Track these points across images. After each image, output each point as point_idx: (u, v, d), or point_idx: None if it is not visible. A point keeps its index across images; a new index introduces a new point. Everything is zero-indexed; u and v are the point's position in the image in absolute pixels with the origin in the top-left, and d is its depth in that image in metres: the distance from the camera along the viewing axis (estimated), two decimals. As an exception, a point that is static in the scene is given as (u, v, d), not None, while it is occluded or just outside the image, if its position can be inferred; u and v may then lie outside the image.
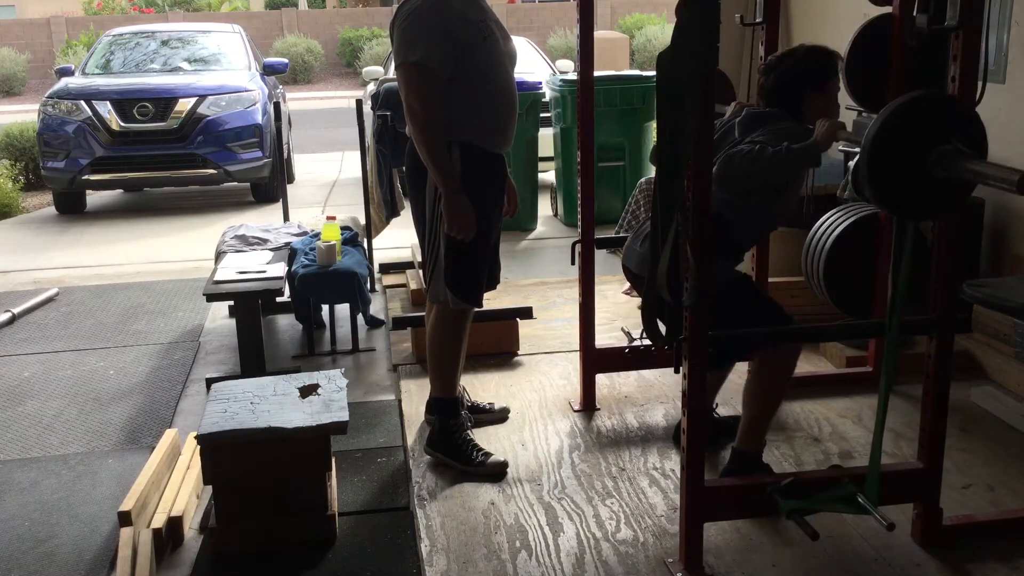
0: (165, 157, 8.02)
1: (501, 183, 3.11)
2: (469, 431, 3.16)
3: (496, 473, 3.02)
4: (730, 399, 3.51)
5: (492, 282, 3.22)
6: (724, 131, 2.82)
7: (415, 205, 3.13)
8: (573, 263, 3.39)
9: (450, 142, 2.90)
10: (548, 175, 7.67)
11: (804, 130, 2.62)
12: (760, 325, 2.76)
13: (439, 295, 3.05)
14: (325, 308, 4.60)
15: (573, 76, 5.68)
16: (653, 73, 2.31)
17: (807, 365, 3.85)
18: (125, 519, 2.76)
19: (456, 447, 3.08)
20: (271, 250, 4.58)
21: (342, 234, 4.58)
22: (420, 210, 3.09)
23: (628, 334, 3.45)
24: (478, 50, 2.90)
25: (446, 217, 2.89)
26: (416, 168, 3.02)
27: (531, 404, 3.56)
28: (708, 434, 3.12)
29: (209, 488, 2.86)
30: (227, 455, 2.70)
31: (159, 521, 2.82)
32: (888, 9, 3.23)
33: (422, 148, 2.88)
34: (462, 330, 3.13)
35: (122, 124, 7.91)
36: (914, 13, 2.46)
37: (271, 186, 8.34)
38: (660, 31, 20.40)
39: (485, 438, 3.27)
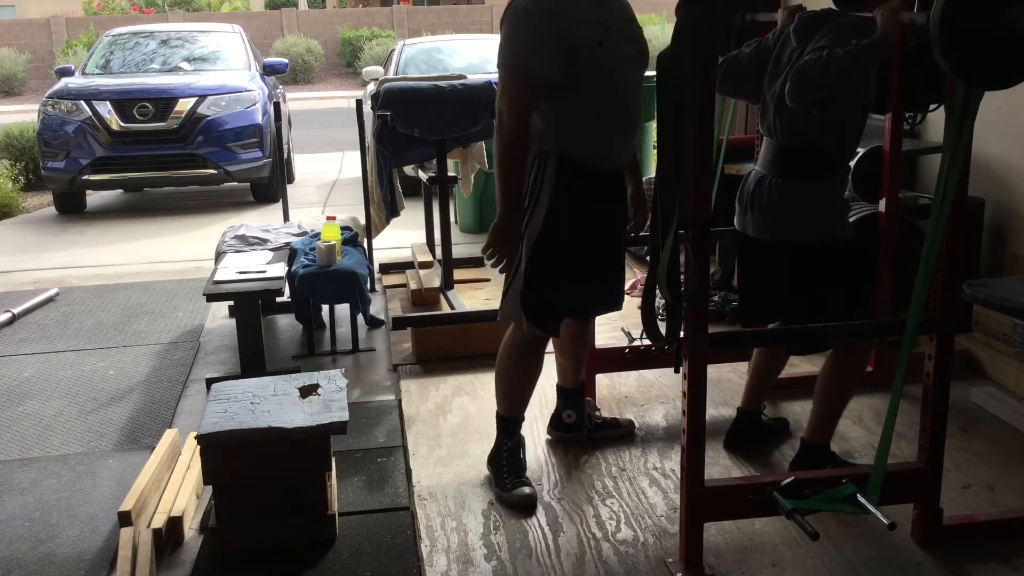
0: (165, 157, 8.02)
1: (611, 204, 2.78)
2: (522, 452, 3.00)
3: (519, 506, 2.83)
4: (730, 399, 3.51)
5: (614, 303, 2.92)
6: (781, 42, 2.74)
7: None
8: (573, 263, 3.39)
9: (547, 152, 2.64)
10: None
11: (866, 21, 2.47)
12: (862, 301, 2.79)
13: (509, 314, 2.80)
14: (325, 308, 4.60)
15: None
16: (653, 73, 2.31)
17: (807, 365, 3.85)
18: (125, 519, 2.76)
19: (496, 467, 2.98)
20: (271, 250, 4.58)
21: (342, 234, 4.58)
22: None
23: (628, 334, 3.45)
24: (592, 55, 2.56)
25: (490, 238, 2.63)
26: None
27: (531, 404, 3.54)
28: (757, 437, 3.16)
29: (209, 488, 2.86)
30: (227, 455, 2.69)
31: (159, 521, 2.82)
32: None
33: (497, 159, 2.59)
34: (530, 355, 2.89)
35: (122, 124, 7.91)
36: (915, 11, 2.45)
37: (271, 186, 8.34)
38: (660, 31, 20.40)
39: (487, 438, 3.27)
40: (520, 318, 2.77)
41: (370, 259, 5.16)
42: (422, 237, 5.63)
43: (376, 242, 5.47)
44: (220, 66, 9.04)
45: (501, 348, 2.95)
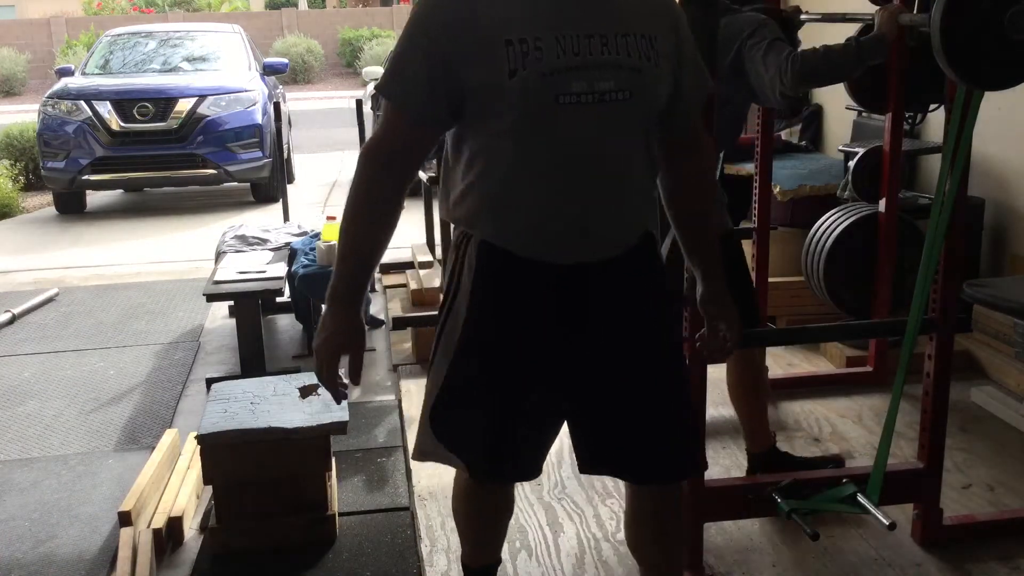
0: (165, 157, 8.03)
1: (543, 303, 1.78)
2: None
3: None
4: (728, 399, 3.51)
5: (530, 469, 1.94)
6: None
7: None
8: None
9: (465, 233, 1.82)
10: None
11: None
12: (745, 300, 2.75)
13: (421, 445, 1.95)
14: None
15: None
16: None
17: (807, 365, 3.85)
18: (125, 519, 2.76)
19: None
20: (271, 250, 4.58)
21: (342, 234, 4.57)
22: None
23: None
24: (500, 92, 1.62)
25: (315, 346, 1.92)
26: None
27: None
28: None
29: (209, 488, 2.86)
30: (227, 455, 2.69)
31: (159, 521, 2.82)
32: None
33: (343, 216, 1.91)
34: (473, 498, 2.11)
35: (122, 124, 7.92)
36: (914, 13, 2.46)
37: (271, 186, 8.34)
38: (660, 31, 20.36)
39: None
40: (434, 450, 1.92)
41: (370, 259, 5.15)
42: (422, 237, 5.63)
43: (376, 242, 5.46)
44: (220, 66, 9.04)
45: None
